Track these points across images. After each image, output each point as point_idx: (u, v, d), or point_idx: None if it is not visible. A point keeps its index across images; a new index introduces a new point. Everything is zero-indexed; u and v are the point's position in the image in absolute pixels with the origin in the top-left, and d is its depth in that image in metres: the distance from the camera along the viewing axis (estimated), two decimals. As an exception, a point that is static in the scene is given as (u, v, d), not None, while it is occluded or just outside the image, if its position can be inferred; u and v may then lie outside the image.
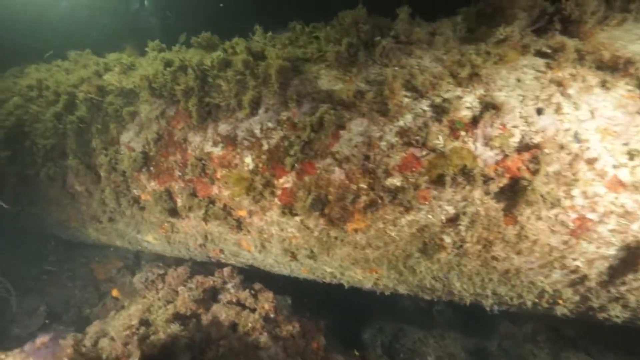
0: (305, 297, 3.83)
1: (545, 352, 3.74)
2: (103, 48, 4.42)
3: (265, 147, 2.59)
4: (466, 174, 2.15)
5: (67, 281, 4.70)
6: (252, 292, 3.03)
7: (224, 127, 2.75)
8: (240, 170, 2.61)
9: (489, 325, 4.29)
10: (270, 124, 2.60)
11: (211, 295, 2.93)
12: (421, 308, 4.73)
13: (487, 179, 2.15)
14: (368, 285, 2.93)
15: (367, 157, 2.34)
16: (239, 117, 2.71)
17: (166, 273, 3.21)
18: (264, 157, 2.59)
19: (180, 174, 2.93)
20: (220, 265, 3.58)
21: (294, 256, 2.84)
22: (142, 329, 2.48)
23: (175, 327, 2.44)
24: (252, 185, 2.59)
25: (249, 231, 2.86)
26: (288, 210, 2.57)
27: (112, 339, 2.51)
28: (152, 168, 3.05)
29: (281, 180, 2.57)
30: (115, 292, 4.04)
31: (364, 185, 2.38)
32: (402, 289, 2.86)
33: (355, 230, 2.52)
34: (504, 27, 2.32)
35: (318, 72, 2.64)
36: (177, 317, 2.60)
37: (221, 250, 3.19)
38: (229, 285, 2.99)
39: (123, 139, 3.18)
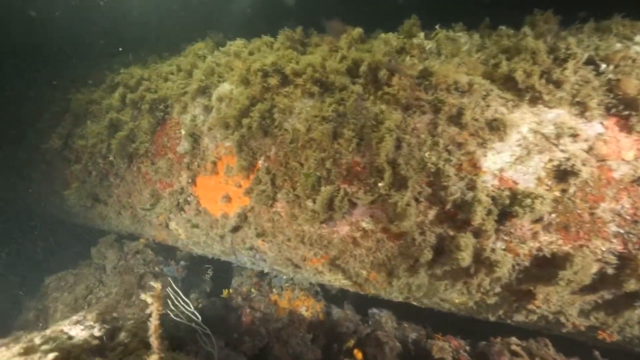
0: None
1: None
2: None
3: None
4: None
5: (258, 323, 3.48)
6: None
7: None
8: None
9: None
10: None
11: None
12: None
13: None
14: None
15: None
16: None
17: (531, 351, 2.23)
18: None
19: (620, 230, 1.92)
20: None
21: None
22: None
23: None
24: None
25: None
26: None
27: None
28: (553, 215, 2.01)
29: None
30: (359, 355, 2.95)
31: None
32: None
33: None
34: None
35: None
36: None
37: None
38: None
39: (488, 164, 2.10)
